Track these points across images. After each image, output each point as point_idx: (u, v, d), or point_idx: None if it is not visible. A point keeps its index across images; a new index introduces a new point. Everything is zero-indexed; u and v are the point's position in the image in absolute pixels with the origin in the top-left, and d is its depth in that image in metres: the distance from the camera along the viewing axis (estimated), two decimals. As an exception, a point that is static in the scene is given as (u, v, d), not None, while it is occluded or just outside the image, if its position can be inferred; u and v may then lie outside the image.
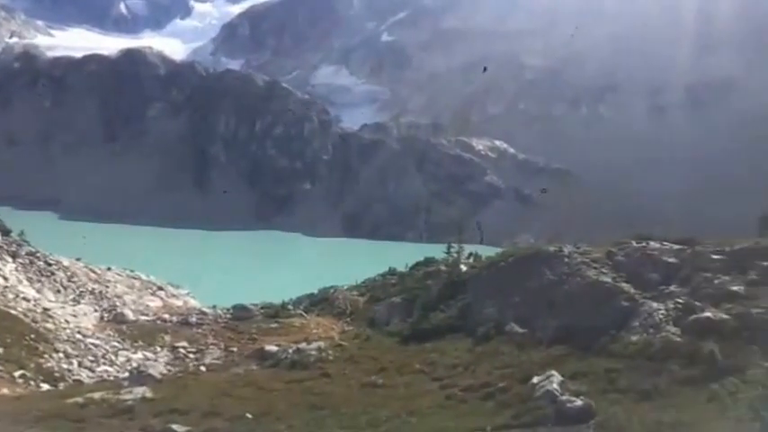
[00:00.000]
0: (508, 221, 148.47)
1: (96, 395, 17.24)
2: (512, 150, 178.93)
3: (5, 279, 29.34)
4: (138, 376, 20.63)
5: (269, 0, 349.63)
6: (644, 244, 20.24)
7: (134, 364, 24.49)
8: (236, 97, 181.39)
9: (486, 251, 30.79)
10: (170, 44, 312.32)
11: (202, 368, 23.25)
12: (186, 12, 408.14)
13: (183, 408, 16.00)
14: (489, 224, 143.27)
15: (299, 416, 15.23)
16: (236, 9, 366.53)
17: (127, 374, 22.45)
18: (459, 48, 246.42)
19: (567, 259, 20.00)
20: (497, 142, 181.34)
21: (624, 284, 18.14)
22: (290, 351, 22.13)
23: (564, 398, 12.81)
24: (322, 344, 22.63)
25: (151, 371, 21.22)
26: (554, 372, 14.17)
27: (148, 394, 17.24)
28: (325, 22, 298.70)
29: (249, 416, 15.29)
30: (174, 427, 14.50)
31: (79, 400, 16.97)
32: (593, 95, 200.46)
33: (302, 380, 18.59)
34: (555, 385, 13.53)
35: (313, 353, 21.32)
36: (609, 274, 18.84)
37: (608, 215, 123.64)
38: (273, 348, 23.32)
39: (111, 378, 22.89)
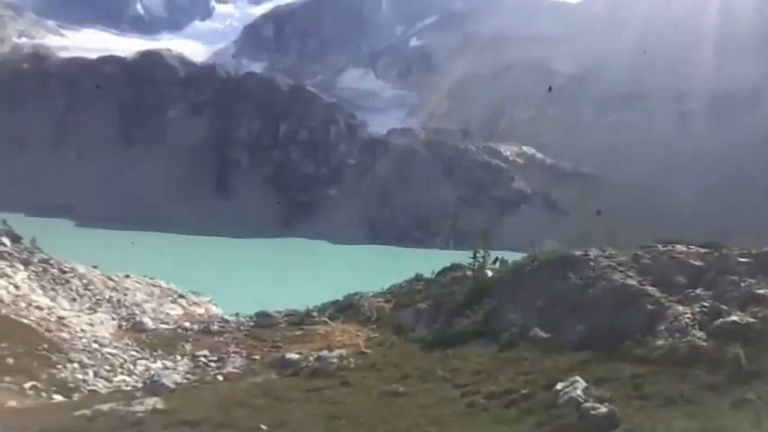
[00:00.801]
0: (535, 227, 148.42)
1: (106, 407, 17.08)
2: (539, 156, 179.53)
3: (17, 288, 29.54)
4: (152, 386, 20.73)
5: (293, 1, 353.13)
6: (670, 247, 20.31)
7: (157, 373, 24.59)
8: (259, 101, 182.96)
9: (513, 256, 30.70)
10: (189, 46, 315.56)
11: (220, 377, 23.37)
12: (206, 13, 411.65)
13: (195, 419, 15.81)
14: (516, 230, 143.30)
15: (316, 427, 15.26)
16: (259, 10, 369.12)
17: (140, 384, 22.61)
18: (488, 53, 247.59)
19: (592, 263, 20.04)
20: (525, 148, 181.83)
21: (650, 288, 18.17)
22: (311, 359, 22.27)
23: (588, 404, 12.80)
24: (344, 351, 22.73)
25: (165, 380, 21.28)
26: (578, 378, 14.16)
27: (160, 405, 17.12)
28: (352, 25, 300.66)
29: (264, 427, 15.20)
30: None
31: (87, 412, 16.81)
32: (620, 102, 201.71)
33: (321, 389, 18.63)
34: (579, 392, 13.53)
35: (334, 361, 21.39)
36: (635, 278, 18.87)
37: (634, 219, 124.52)
38: (294, 356, 23.45)
39: (129, 388, 23.03)
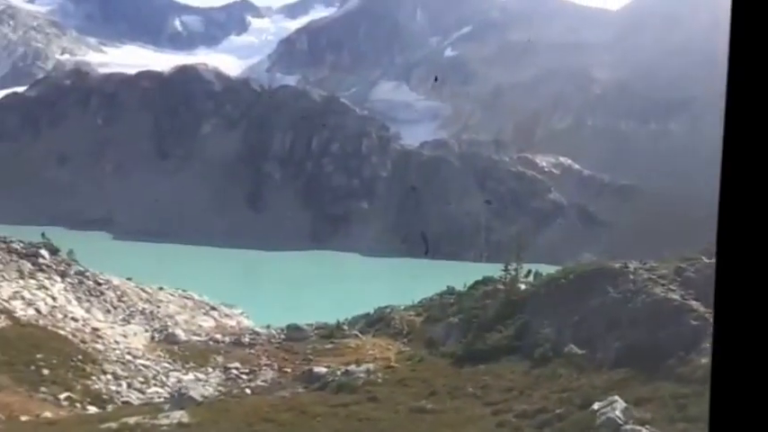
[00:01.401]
0: (571, 239, 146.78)
1: (132, 420, 17.21)
2: (576, 167, 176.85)
3: (54, 299, 30.05)
4: (179, 399, 20.74)
5: (328, 15, 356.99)
6: (714, 259, 19.44)
7: (185, 386, 24.65)
8: (292, 113, 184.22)
9: (548, 270, 30.10)
10: (225, 60, 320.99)
11: (247, 390, 23.32)
12: (242, 28, 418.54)
13: (219, 434, 15.86)
14: (552, 242, 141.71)
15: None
16: (294, 24, 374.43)
17: (168, 397, 22.61)
18: (526, 61, 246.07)
19: (632, 276, 19.38)
20: (562, 158, 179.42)
21: (693, 302, 17.42)
22: (338, 373, 22.05)
23: (628, 427, 12.30)
24: (371, 366, 22.47)
25: (192, 393, 21.29)
26: (617, 397, 13.61)
27: (185, 419, 17.14)
28: (386, 37, 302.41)
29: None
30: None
31: (113, 425, 16.93)
32: (663, 110, 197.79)
33: (348, 404, 18.40)
34: (618, 412, 12.99)
35: (361, 375, 21.14)
36: (677, 292, 18.12)
37: (677, 232, 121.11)
38: (322, 370, 23.28)
39: (161, 400, 23.11)
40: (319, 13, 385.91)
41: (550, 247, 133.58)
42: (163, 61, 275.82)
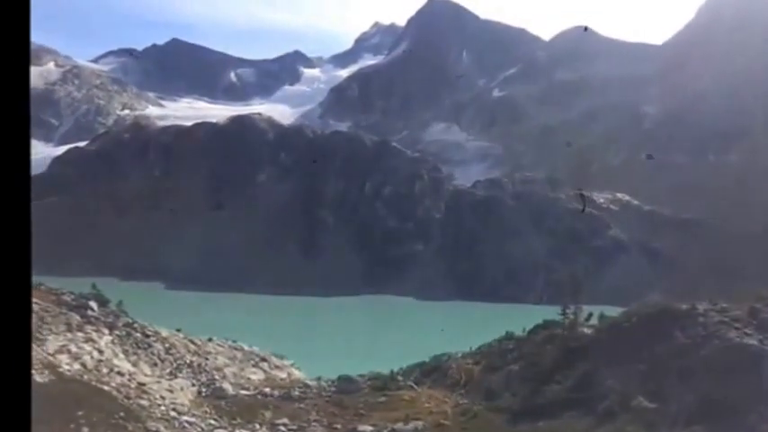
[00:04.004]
0: (635, 278, 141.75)
1: None
2: (635, 202, 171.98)
3: (101, 352, 29.70)
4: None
5: (377, 62, 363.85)
6: (793, 299, 17.63)
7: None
8: (345, 159, 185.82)
9: (612, 312, 28.38)
10: (278, 110, 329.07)
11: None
12: (295, 78, 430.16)
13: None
14: (615, 282, 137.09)
15: None
16: (345, 72, 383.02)
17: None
18: (574, 99, 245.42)
19: (701, 318, 17.61)
20: (619, 195, 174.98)
21: (774, 348, 15.63)
22: (385, 433, 20.86)
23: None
24: (420, 424, 21.16)
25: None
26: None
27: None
28: (434, 80, 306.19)
29: None
30: None
31: None
32: (720, 141, 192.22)
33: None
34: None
35: (409, 435, 19.88)
36: (754, 336, 16.30)
37: (749, 268, 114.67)
38: (368, 429, 22.08)
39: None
40: (368, 61, 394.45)
41: (614, 287, 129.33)
42: (218, 112, 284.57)
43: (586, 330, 24.17)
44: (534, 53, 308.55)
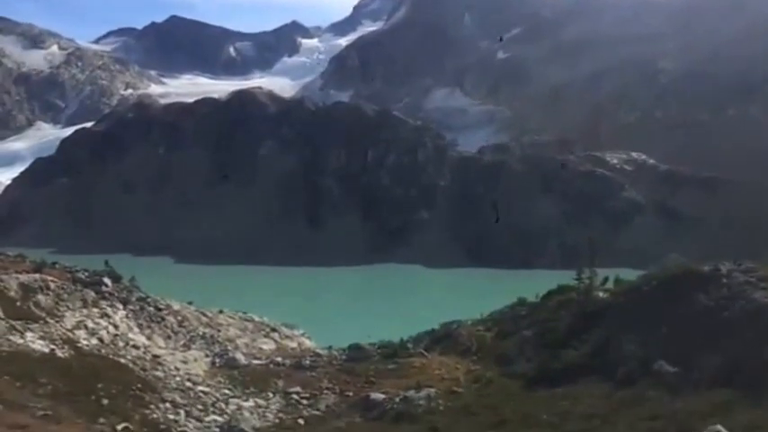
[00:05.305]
0: (653, 240, 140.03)
1: None
2: (651, 161, 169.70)
3: (116, 327, 30.07)
4: (230, 430, 20.01)
5: (376, 29, 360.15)
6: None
7: (245, 413, 24.11)
8: (347, 129, 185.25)
9: (629, 275, 28.12)
10: (279, 83, 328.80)
11: (300, 421, 22.49)
12: (293, 49, 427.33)
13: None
14: (632, 244, 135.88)
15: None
16: (344, 41, 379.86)
17: (218, 430, 21.90)
18: (583, 57, 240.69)
19: (725, 280, 17.24)
20: (634, 154, 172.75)
21: (803, 307, 15.26)
22: (397, 400, 20.75)
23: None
24: (432, 391, 21.04)
25: (243, 425, 20.50)
26: (719, 426, 11.81)
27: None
28: (435, 45, 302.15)
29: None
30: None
31: None
32: (740, 94, 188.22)
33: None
34: (722, 444, 11.22)
35: (421, 402, 19.70)
36: (782, 295, 15.91)
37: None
38: (380, 396, 22.05)
39: (218, 429, 22.63)
40: (367, 28, 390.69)
41: (630, 249, 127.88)
42: (219, 88, 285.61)
43: (603, 295, 23.90)
44: (538, 12, 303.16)
